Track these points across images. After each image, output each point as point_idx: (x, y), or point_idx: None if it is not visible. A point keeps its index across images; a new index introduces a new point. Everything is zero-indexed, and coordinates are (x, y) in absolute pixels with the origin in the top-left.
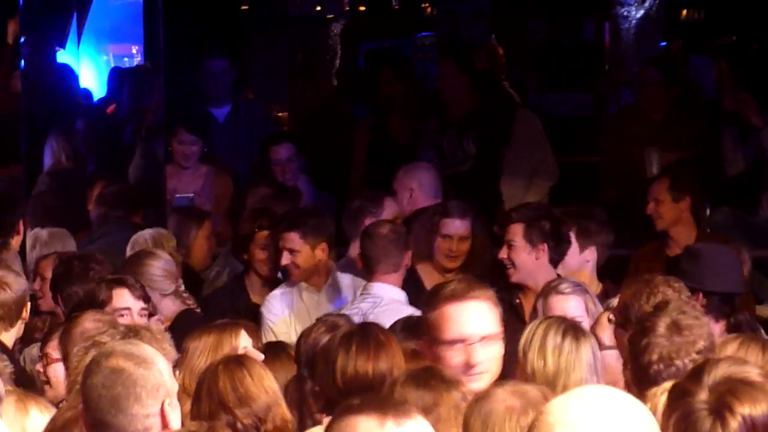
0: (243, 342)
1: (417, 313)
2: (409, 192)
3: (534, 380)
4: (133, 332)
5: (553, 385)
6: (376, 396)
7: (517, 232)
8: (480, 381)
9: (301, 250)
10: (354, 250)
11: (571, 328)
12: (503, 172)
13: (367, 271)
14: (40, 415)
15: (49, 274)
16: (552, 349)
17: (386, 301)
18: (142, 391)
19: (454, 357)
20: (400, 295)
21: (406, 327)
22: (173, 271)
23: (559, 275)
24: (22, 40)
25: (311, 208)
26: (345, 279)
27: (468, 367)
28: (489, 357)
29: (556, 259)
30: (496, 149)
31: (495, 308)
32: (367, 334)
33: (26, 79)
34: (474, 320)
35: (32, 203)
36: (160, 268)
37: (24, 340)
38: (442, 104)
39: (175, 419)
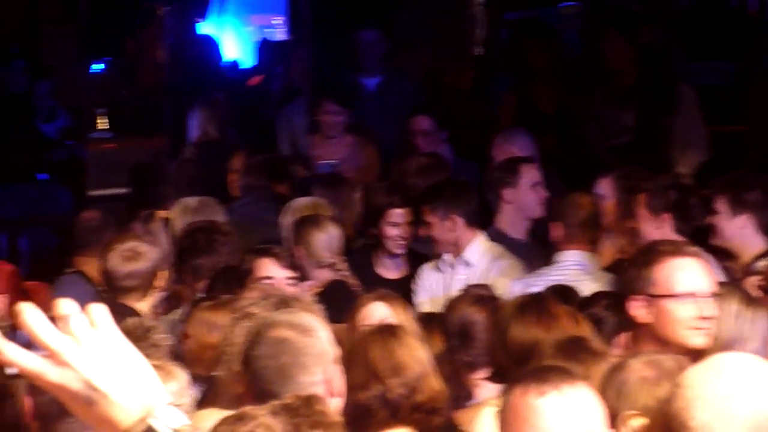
0: (380, 313)
1: None
2: None
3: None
4: (283, 302)
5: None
6: (544, 365)
7: (640, 201)
8: (705, 337)
9: (433, 222)
10: (500, 220)
11: (748, 297)
12: (663, 145)
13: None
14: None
15: None
16: (728, 317)
17: (577, 268)
18: (307, 359)
19: (683, 310)
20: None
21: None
22: (336, 244)
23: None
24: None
25: (449, 180)
26: (483, 249)
27: (700, 320)
28: (714, 314)
29: (683, 229)
30: (657, 122)
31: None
32: (540, 304)
33: (170, 51)
34: (704, 275)
35: (177, 173)
36: (324, 239)
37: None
38: (609, 73)
39: (339, 386)
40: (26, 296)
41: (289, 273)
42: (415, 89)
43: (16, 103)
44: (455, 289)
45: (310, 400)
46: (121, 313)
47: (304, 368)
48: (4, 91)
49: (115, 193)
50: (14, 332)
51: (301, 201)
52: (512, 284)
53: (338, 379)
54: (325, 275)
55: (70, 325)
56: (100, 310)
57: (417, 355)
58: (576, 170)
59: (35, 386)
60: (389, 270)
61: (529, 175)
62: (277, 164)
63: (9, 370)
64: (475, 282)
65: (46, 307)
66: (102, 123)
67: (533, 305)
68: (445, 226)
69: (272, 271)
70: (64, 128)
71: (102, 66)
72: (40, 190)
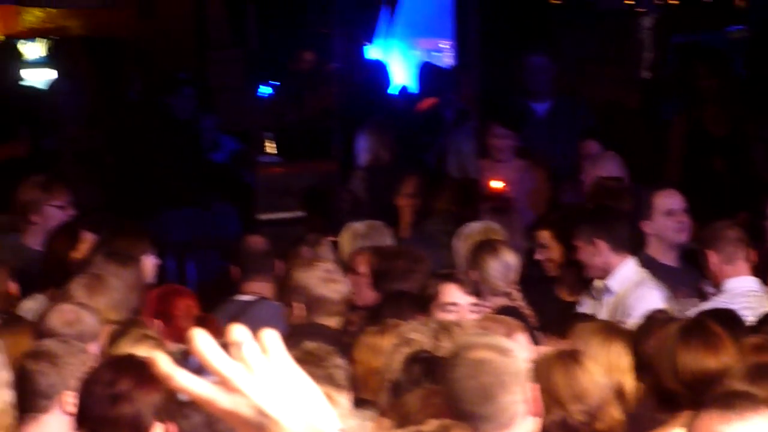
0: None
1: None
2: None
3: None
4: (444, 328)
5: None
6: (721, 391)
7: None
8: None
9: (579, 246)
10: (649, 246)
11: None
12: None
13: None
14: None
15: (362, 269)
16: None
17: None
18: (507, 378)
19: None
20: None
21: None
22: (512, 273)
23: None
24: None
25: (599, 205)
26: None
27: None
28: None
29: None
30: None
31: None
32: (704, 328)
33: (339, 75)
34: None
35: (346, 197)
36: (499, 268)
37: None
38: None
39: (538, 405)
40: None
41: (472, 299)
42: (585, 113)
43: (184, 129)
44: (602, 316)
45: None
46: (318, 334)
47: (505, 388)
48: (172, 118)
49: (284, 217)
50: (186, 358)
51: (475, 226)
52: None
53: (537, 398)
54: (499, 301)
55: (242, 352)
56: (272, 337)
57: (598, 382)
58: (744, 193)
59: (178, 411)
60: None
61: (662, 203)
62: (465, 188)
63: (181, 397)
64: (617, 308)
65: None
66: (270, 147)
67: (697, 330)
68: (589, 251)
69: (456, 297)
70: (233, 152)
71: (269, 90)
72: (209, 215)
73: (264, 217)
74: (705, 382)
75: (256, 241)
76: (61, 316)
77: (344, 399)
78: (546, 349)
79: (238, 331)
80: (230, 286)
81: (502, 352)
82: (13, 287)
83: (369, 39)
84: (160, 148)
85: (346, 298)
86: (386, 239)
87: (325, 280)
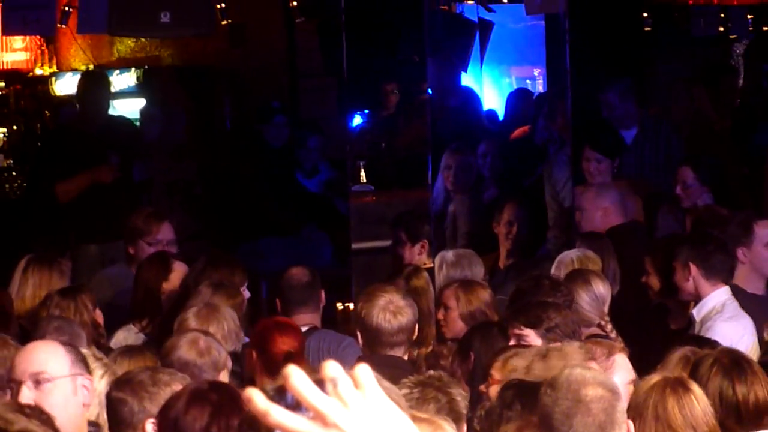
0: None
1: None
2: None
3: None
4: (539, 354)
5: None
6: None
7: None
8: None
9: (676, 268)
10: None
11: None
12: None
13: None
14: None
15: (451, 303)
16: None
17: None
18: (618, 417)
19: None
20: None
21: None
22: (601, 304)
23: None
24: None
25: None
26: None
27: None
28: None
29: None
30: None
31: None
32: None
33: (432, 102)
34: None
35: (439, 226)
36: (587, 299)
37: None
38: None
39: None
40: None
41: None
42: (670, 136)
43: (278, 158)
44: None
45: None
46: (387, 365)
47: (615, 426)
48: (266, 146)
49: (377, 246)
50: (282, 395)
51: (570, 254)
52: None
53: None
54: (590, 332)
55: (337, 387)
56: (365, 372)
57: (708, 410)
58: None
59: None
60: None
61: (764, 234)
62: (563, 216)
63: None
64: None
65: None
66: (362, 176)
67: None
68: (683, 274)
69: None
70: (327, 181)
71: (361, 118)
72: (303, 243)
73: (358, 246)
74: None
75: (299, 273)
76: (193, 345)
77: (450, 427)
78: (652, 377)
79: (332, 367)
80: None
81: (613, 391)
82: (99, 316)
83: (462, 67)
84: (253, 177)
85: (407, 330)
86: (477, 268)
87: (383, 310)
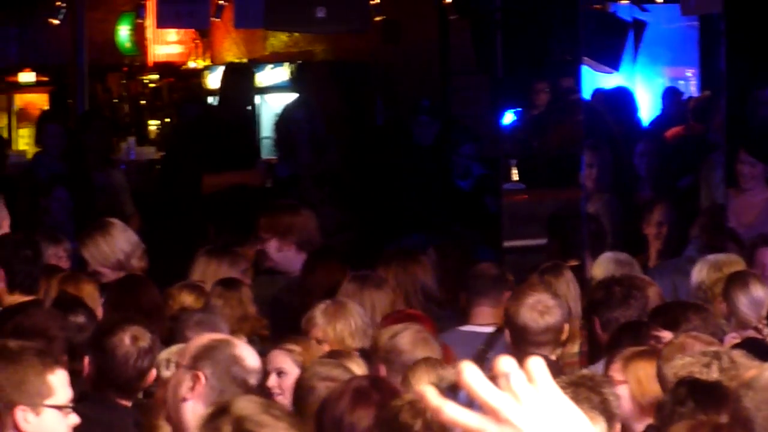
0: None
1: None
2: None
3: None
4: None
5: None
6: None
7: None
8: None
9: None
10: None
11: None
12: None
13: None
14: None
15: None
16: None
17: None
18: None
19: None
20: None
21: None
22: (759, 307)
23: None
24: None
25: None
26: None
27: None
28: None
29: None
30: None
31: None
32: None
33: (583, 102)
34: None
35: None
36: (745, 302)
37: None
38: None
39: None
40: None
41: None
42: None
43: (428, 155)
44: None
45: None
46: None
47: None
48: (414, 144)
49: (529, 244)
50: (455, 391)
51: (717, 258)
52: None
53: None
54: (746, 335)
55: (510, 383)
56: (538, 366)
57: None
58: None
59: None
60: None
61: None
62: (714, 217)
63: (452, 430)
64: None
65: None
66: (514, 174)
67: None
68: None
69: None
70: (478, 179)
71: (513, 117)
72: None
73: (510, 244)
74: None
75: (487, 267)
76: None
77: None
78: None
79: (505, 363)
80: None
81: None
82: (252, 310)
83: (615, 66)
84: (402, 174)
85: (554, 330)
86: (634, 269)
87: (532, 309)
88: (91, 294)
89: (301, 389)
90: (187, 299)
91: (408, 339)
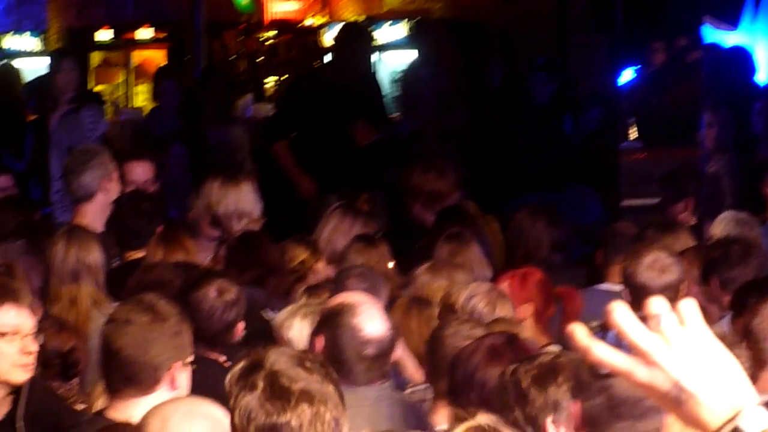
0: None
1: None
2: None
3: None
4: None
5: None
6: None
7: None
8: None
9: None
10: None
11: None
12: None
13: None
14: None
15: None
16: None
17: None
18: None
19: None
20: None
21: None
22: None
23: None
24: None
25: None
26: None
27: None
28: None
29: None
30: None
31: None
32: None
33: (703, 61)
34: None
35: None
36: None
37: None
38: None
39: None
40: (558, 302)
41: None
42: None
43: (543, 114)
44: None
45: None
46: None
47: None
48: (531, 102)
49: (646, 203)
50: (605, 332)
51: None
52: None
53: None
54: None
55: (660, 324)
56: (690, 308)
57: None
58: None
59: (582, 390)
60: None
61: None
62: None
63: (600, 370)
64: None
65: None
66: (632, 133)
67: None
68: None
69: None
70: (591, 135)
71: (633, 74)
72: (567, 199)
73: (627, 203)
74: None
75: (625, 227)
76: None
77: None
78: None
79: (656, 303)
80: (592, 270)
81: None
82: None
83: (734, 24)
84: (519, 133)
85: (673, 288)
86: (754, 230)
87: (649, 267)
88: (191, 249)
89: (440, 345)
90: (302, 254)
91: (484, 300)
